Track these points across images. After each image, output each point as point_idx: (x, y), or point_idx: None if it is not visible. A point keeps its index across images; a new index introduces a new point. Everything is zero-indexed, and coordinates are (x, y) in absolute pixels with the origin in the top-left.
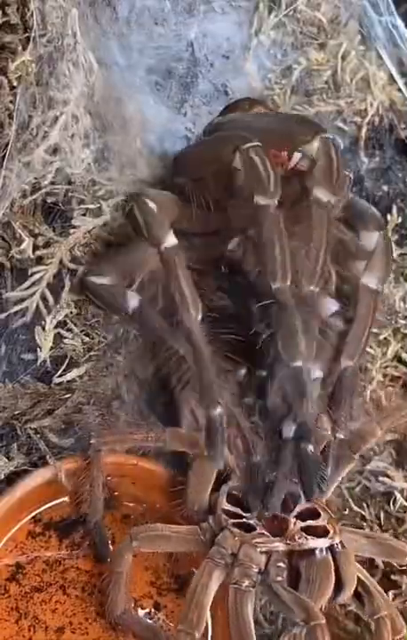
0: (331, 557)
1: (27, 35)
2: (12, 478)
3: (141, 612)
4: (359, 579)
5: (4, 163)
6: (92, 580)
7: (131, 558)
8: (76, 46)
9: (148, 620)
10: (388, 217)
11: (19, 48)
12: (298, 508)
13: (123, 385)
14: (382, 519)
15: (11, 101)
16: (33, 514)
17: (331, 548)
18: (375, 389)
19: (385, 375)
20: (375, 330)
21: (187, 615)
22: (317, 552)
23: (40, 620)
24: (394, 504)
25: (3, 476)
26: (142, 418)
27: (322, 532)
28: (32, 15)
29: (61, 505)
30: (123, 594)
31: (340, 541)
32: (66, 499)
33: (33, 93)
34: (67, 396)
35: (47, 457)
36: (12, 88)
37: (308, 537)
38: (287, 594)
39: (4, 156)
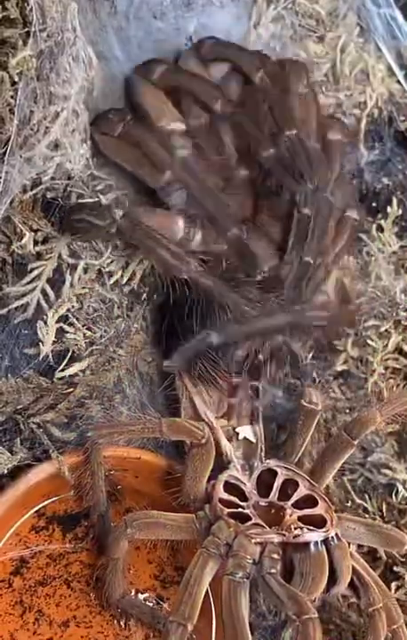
0: (325, 551)
1: (27, 29)
2: (16, 473)
3: (141, 597)
4: (356, 570)
5: (6, 158)
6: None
7: (126, 545)
8: (76, 41)
9: (147, 603)
10: (388, 209)
11: (20, 43)
12: (295, 496)
13: (125, 379)
14: (384, 511)
15: (12, 97)
16: (36, 508)
17: (326, 542)
18: (376, 381)
19: (386, 367)
20: (376, 322)
21: (179, 606)
22: (312, 545)
23: (44, 614)
24: (396, 496)
25: (6, 471)
26: (144, 411)
27: (319, 521)
28: (32, 10)
29: (65, 499)
30: (120, 579)
31: (336, 534)
32: (70, 493)
33: (34, 88)
34: (69, 390)
35: (50, 451)
36: (14, 83)
37: (304, 528)
38: (280, 586)
39: (5, 151)
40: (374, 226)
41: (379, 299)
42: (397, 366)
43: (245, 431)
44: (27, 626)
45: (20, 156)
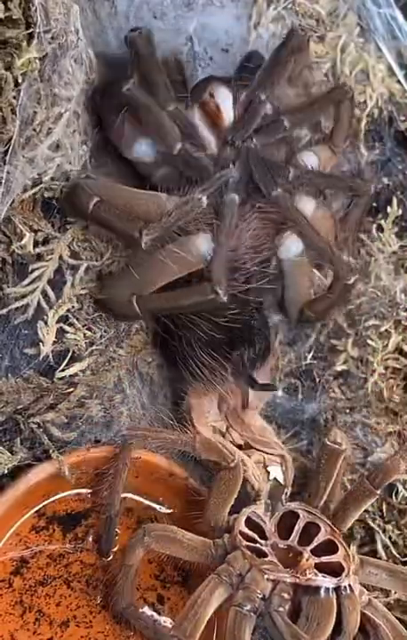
0: (335, 599)
1: (30, 30)
2: (16, 473)
3: (146, 610)
4: (371, 619)
5: (7, 158)
6: (96, 573)
7: (142, 553)
8: (79, 43)
9: (150, 618)
10: (388, 209)
11: (24, 44)
12: (316, 541)
13: (125, 379)
14: (384, 511)
15: (14, 97)
16: (37, 508)
17: (337, 590)
18: (376, 381)
19: (386, 367)
20: (376, 322)
21: (182, 622)
22: (322, 590)
23: (44, 614)
24: (396, 496)
25: (6, 471)
26: (144, 411)
27: (336, 568)
28: (35, 11)
29: (65, 499)
30: (129, 587)
31: (349, 585)
32: (69, 492)
33: (37, 90)
34: (69, 390)
35: (50, 451)
36: (17, 84)
37: (319, 574)
38: (285, 625)
39: (7, 151)
40: (374, 226)
41: (379, 299)
42: (397, 366)
43: (276, 472)
44: (27, 626)
45: (23, 156)
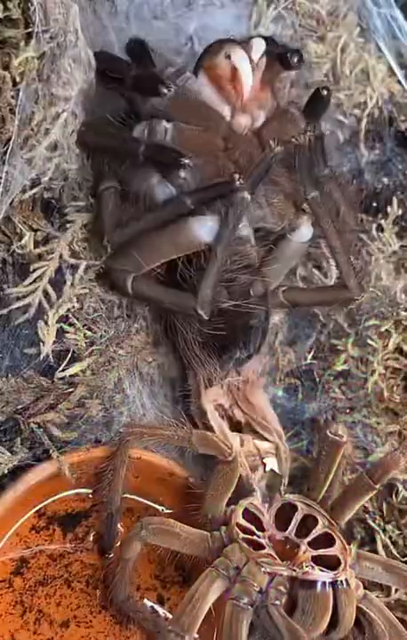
0: (331, 593)
1: (28, 30)
2: (16, 472)
3: (146, 601)
4: (367, 614)
5: (6, 158)
6: (97, 573)
7: (139, 546)
8: (78, 43)
9: (149, 610)
10: (389, 209)
11: (22, 43)
12: (313, 534)
13: (125, 379)
14: (384, 511)
15: (12, 97)
16: (37, 508)
17: (333, 584)
18: (376, 381)
19: (386, 367)
20: (376, 322)
21: (180, 617)
22: (319, 585)
23: (45, 614)
24: (396, 496)
25: (6, 471)
26: (144, 411)
27: (333, 562)
28: (34, 11)
29: (65, 499)
30: (127, 581)
31: (346, 579)
32: (69, 492)
33: (35, 89)
34: (69, 390)
35: (50, 451)
36: (15, 84)
37: (316, 567)
38: (281, 618)
39: (6, 151)
40: (374, 226)
41: (380, 298)
42: (397, 366)
43: (272, 463)
44: (27, 626)
45: (21, 157)
